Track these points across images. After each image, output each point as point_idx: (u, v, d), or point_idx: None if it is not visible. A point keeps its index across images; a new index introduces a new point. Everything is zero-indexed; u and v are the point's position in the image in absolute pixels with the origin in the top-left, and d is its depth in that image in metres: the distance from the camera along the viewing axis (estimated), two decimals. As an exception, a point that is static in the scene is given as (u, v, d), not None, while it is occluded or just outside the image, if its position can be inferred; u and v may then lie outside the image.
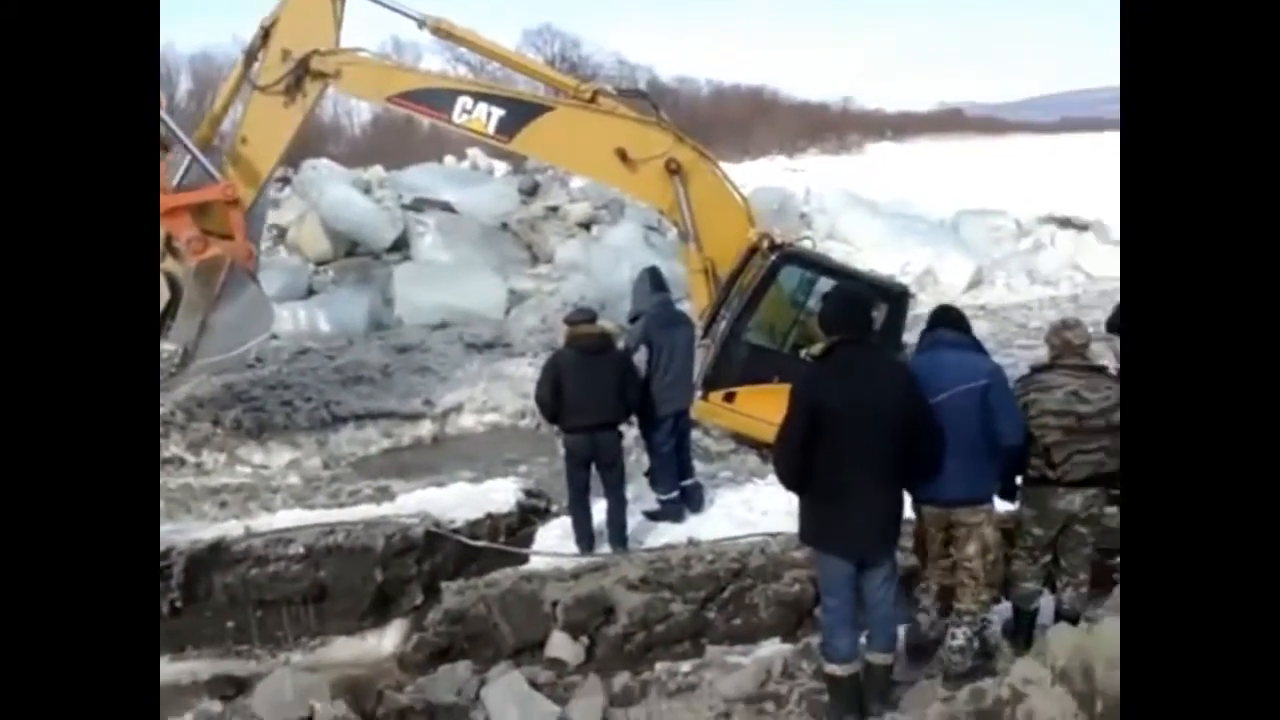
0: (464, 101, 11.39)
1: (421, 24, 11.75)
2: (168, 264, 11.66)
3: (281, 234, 21.73)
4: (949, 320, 6.38)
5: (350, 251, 21.38)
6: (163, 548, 8.51)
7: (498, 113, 11.24)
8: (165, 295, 11.07)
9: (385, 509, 9.27)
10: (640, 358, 8.54)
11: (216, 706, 7.75)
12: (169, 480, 10.87)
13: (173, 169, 10.57)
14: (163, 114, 10.64)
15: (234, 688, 8.08)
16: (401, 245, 21.61)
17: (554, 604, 7.74)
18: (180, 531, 8.85)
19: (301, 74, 11.48)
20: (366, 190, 23.62)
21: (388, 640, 8.46)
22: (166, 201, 10.26)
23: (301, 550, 8.38)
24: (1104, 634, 5.79)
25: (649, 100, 12.05)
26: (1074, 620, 6.43)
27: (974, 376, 5.87)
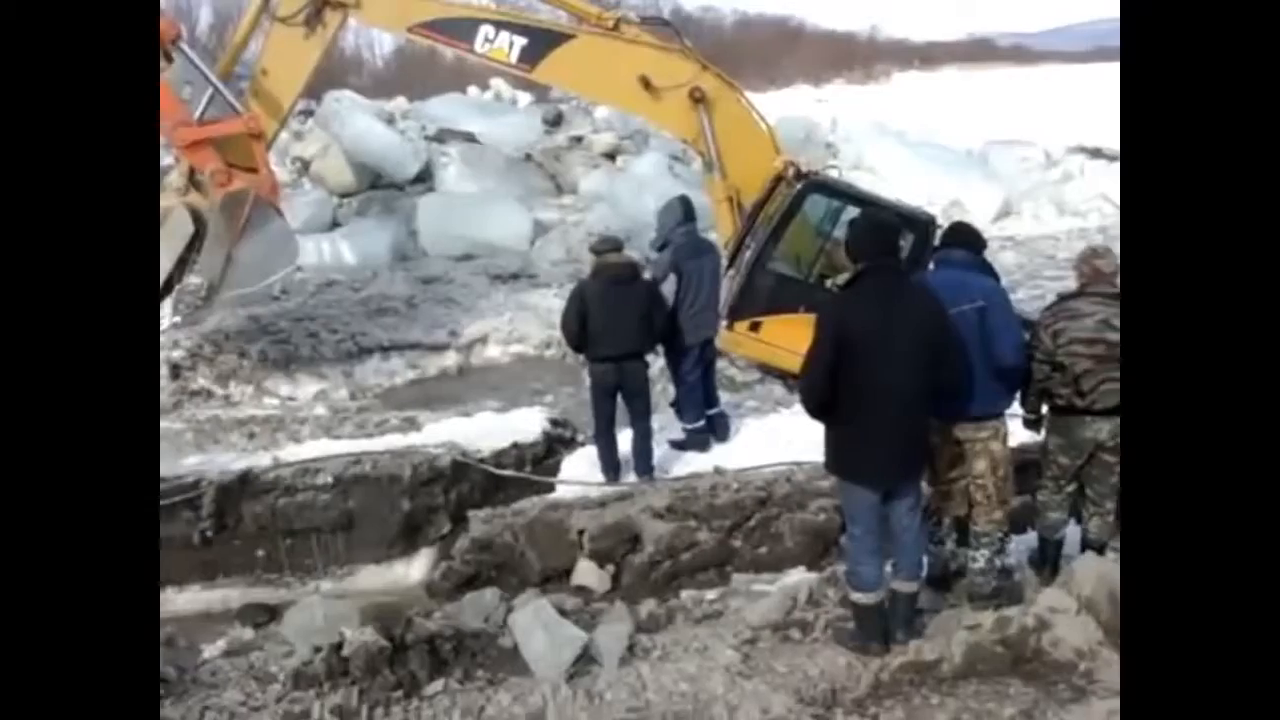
0: (486, 30, 11.28)
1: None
2: (191, 198, 11.62)
3: (305, 166, 21.65)
4: (959, 239, 6.32)
5: (374, 184, 21.30)
6: (192, 479, 8.62)
7: (520, 41, 11.14)
8: (189, 229, 11.06)
9: (412, 439, 9.33)
10: (669, 287, 8.51)
11: (248, 633, 7.88)
12: (197, 412, 10.92)
13: (194, 102, 10.49)
14: (184, 47, 10.57)
15: (265, 615, 8.21)
16: (425, 177, 21.52)
17: (580, 532, 7.80)
18: (209, 462, 8.94)
19: (321, 5, 11.37)
20: (390, 122, 23.49)
21: (415, 569, 8.55)
22: (190, 134, 10.22)
23: (330, 480, 8.46)
24: (1130, 562, 5.81)
25: (672, 28, 11.94)
26: (1100, 550, 6.44)
27: (972, 297, 5.82)
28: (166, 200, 12.37)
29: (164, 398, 11.30)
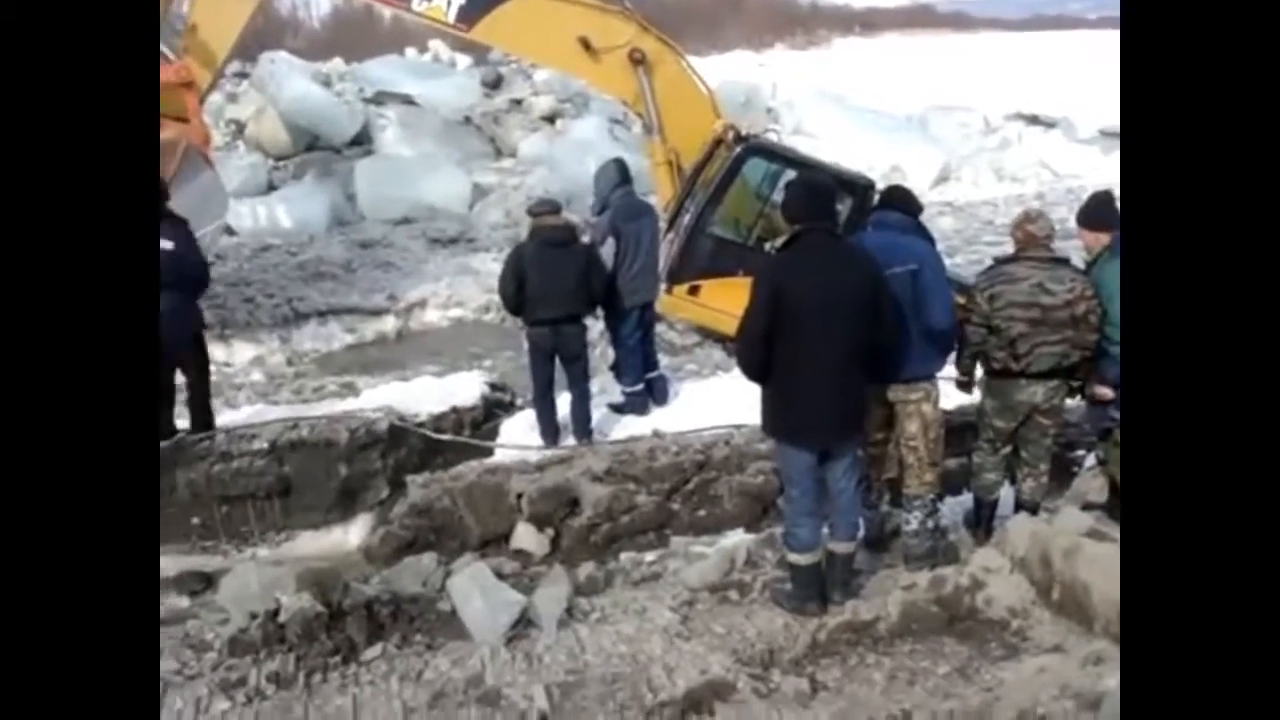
0: (421, -13, 11.16)
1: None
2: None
3: (240, 129, 21.35)
4: (895, 201, 6.34)
5: (310, 146, 21.05)
6: (125, 444, 8.46)
7: (458, 0, 11.00)
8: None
9: (350, 404, 9.24)
10: (608, 250, 8.46)
11: (184, 601, 7.78)
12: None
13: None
14: None
15: (201, 583, 8.10)
16: (363, 140, 21.31)
17: (519, 496, 7.77)
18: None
19: None
20: (326, 84, 23.20)
21: (353, 534, 8.47)
22: None
23: (265, 446, 8.33)
24: (1062, 524, 5.89)
25: (613, -11, 11.85)
26: (1033, 510, 6.53)
27: (905, 260, 5.84)
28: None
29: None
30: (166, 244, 7.91)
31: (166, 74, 10.33)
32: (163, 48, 10.52)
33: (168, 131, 10.02)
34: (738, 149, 10.78)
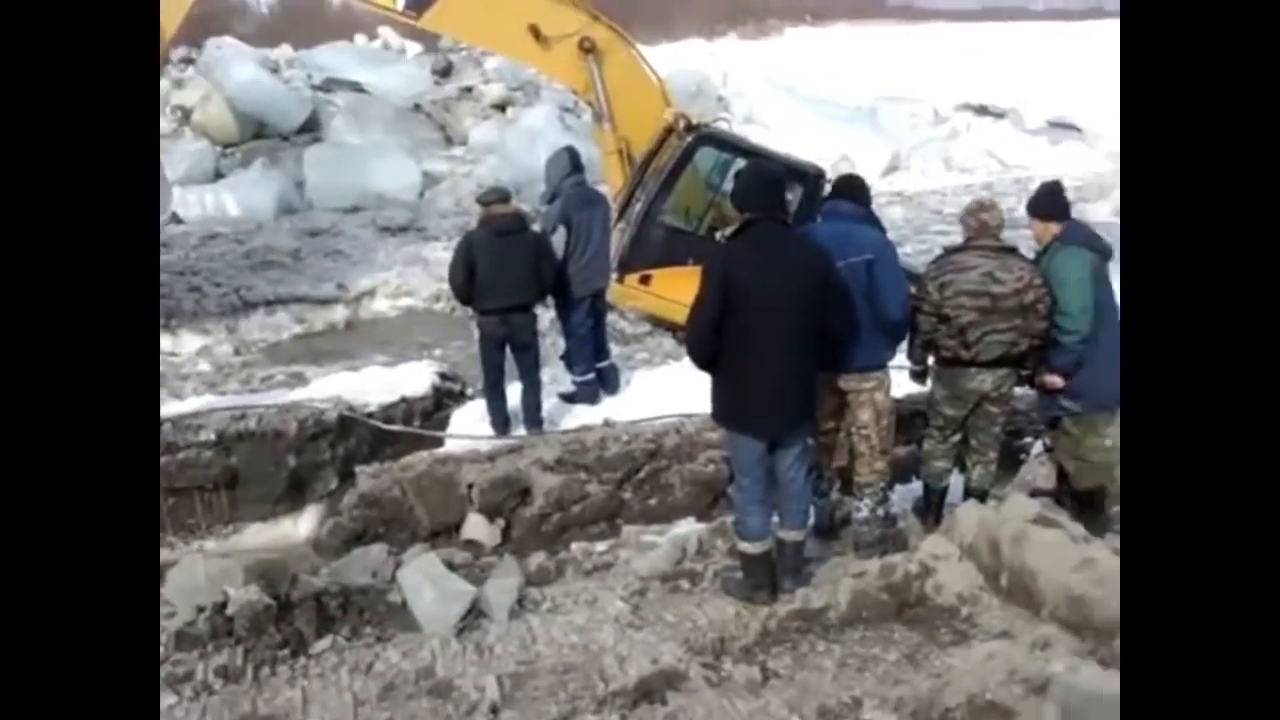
0: (375, -28, 11.07)
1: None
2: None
3: (186, 115, 21.04)
4: (847, 191, 6.36)
5: (258, 133, 20.80)
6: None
7: (406, -14, 10.92)
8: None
9: (298, 394, 9.15)
10: (559, 238, 8.44)
11: (128, 595, 7.68)
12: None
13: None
14: None
15: (147, 574, 8.01)
16: (311, 127, 21.08)
17: (470, 486, 7.73)
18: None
19: None
20: (274, 70, 22.97)
21: (303, 525, 8.40)
22: None
23: (212, 437, 8.23)
24: (1010, 511, 5.94)
25: (564, -22, 11.80)
26: (982, 497, 6.58)
27: (859, 250, 5.86)
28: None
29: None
30: None
31: None
32: None
33: None
34: (689, 138, 10.78)
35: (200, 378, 10.64)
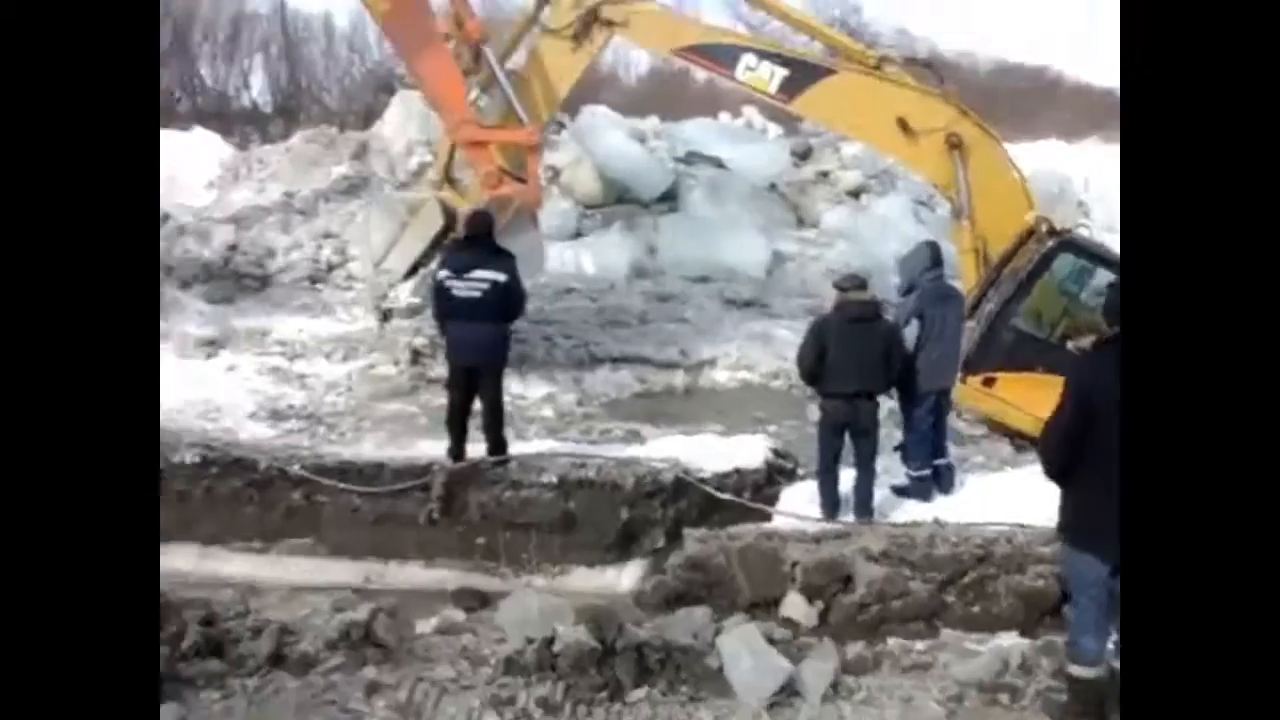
0: (749, 59, 11.44)
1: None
2: (445, 193, 12.18)
3: (555, 175, 22.24)
4: None
5: (620, 198, 21.67)
6: (425, 462, 9.01)
7: (781, 72, 11.25)
8: (439, 222, 11.57)
9: (636, 450, 9.50)
10: (911, 331, 8.44)
11: (460, 615, 8.13)
12: (432, 399, 11.36)
13: (478, 98, 11.03)
14: (487, 51, 11.12)
15: (477, 600, 8.47)
16: (671, 197, 21.78)
17: (793, 564, 7.78)
18: (441, 448, 9.34)
19: (591, 20, 11.72)
20: (641, 140, 23.89)
21: (626, 577, 8.69)
22: (473, 134, 10.74)
23: (554, 480, 8.69)
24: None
25: (933, 71, 11.87)
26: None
27: None
28: (421, 192, 12.97)
29: (402, 381, 11.83)
30: (498, 275, 8.45)
31: (517, 136, 11.00)
32: (517, 108, 11.16)
33: (506, 189, 10.64)
34: (1050, 243, 10.54)
35: (543, 423, 11.17)
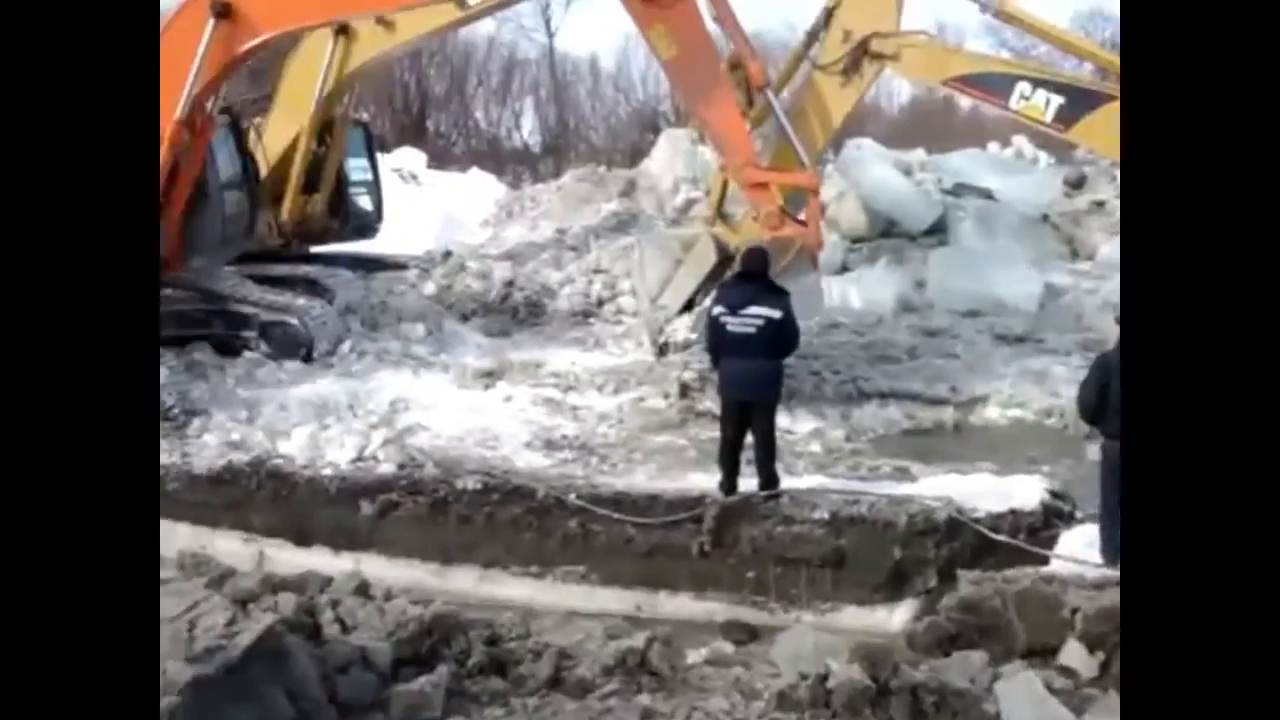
0: (1023, 87, 11.24)
1: (984, 8, 11.68)
2: (718, 230, 12.38)
3: (821, 209, 22.25)
4: None
5: (886, 232, 21.52)
6: (697, 494, 9.18)
7: (1057, 100, 11.01)
8: (713, 259, 11.77)
9: (907, 488, 9.40)
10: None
11: (729, 648, 8.26)
12: (700, 432, 11.53)
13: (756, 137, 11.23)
14: (769, 94, 11.32)
15: (746, 634, 8.57)
16: (939, 229, 21.47)
17: (1073, 611, 7.51)
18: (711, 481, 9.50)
19: (860, 55, 11.75)
20: (908, 172, 23.68)
21: (897, 617, 8.61)
22: (756, 175, 10.93)
23: (825, 515, 8.72)
24: None
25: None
26: None
27: None
28: (694, 229, 13.24)
29: (672, 414, 12.06)
30: (773, 312, 8.57)
31: (799, 179, 11.15)
32: (796, 148, 11.28)
33: (788, 230, 10.75)
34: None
35: (811, 458, 11.16)
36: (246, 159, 14.23)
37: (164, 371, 11.86)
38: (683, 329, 11.72)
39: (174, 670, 4.22)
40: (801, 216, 11.16)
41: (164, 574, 6.98)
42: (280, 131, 16.09)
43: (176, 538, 10.05)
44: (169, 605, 5.01)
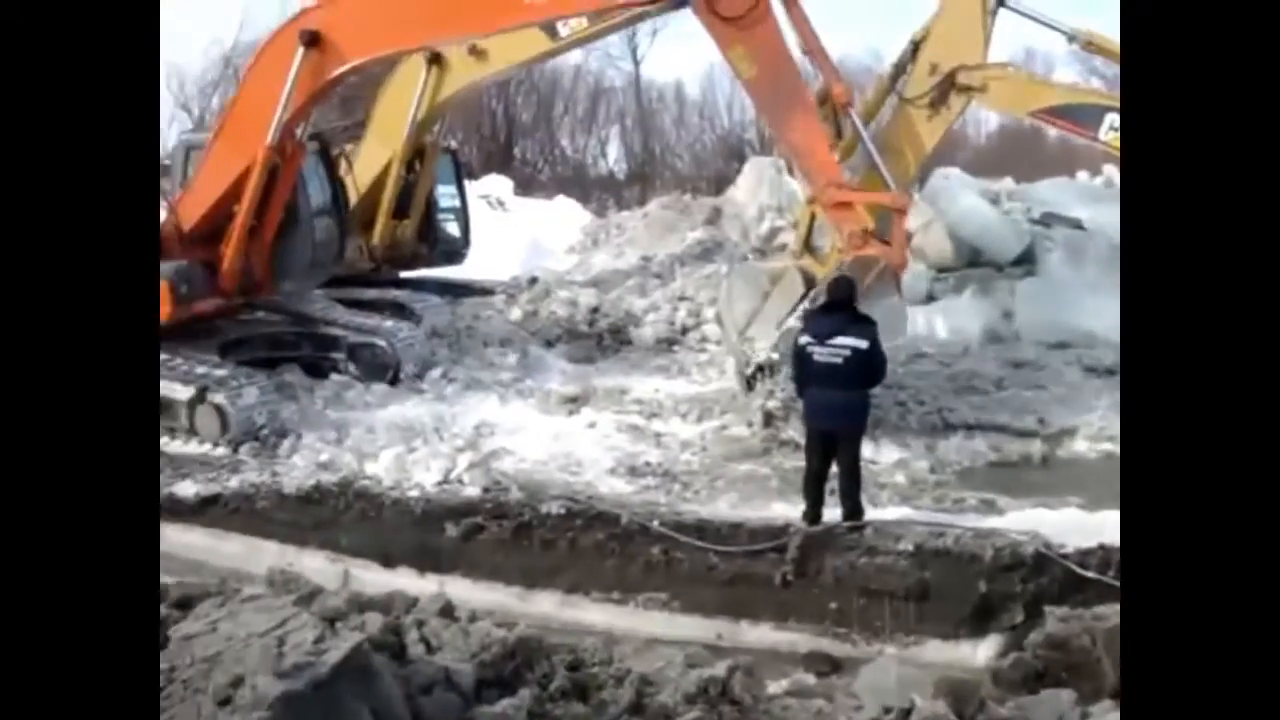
0: (1112, 118, 11.17)
1: (1072, 39, 11.58)
2: (805, 261, 12.37)
3: (907, 239, 22.10)
4: None
5: (973, 261, 21.30)
6: (781, 523, 9.16)
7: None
8: (800, 290, 11.74)
9: (993, 522, 9.29)
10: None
11: (810, 679, 8.21)
12: (784, 461, 11.47)
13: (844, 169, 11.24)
14: (854, 114, 11.31)
15: (828, 665, 8.51)
16: (1026, 259, 21.21)
17: (1164, 652, 7.37)
18: (794, 511, 9.46)
19: (948, 88, 11.70)
20: (995, 201, 23.44)
21: (982, 652, 8.49)
22: (841, 195, 10.91)
23: (910, 548, 8.64)
24: None
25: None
26: None
27: None
28: (781, 261, 13.24)
29: (755, 443, 12.02)
30: (859, 342, 8.54)
31: (885, 198, 11.12)
32: (882, 170, 11.26)
33: (873, 250, 10.72)
34: None
35: (895, 489, 11.06)
36: (336, 185, 14.49)
37: (255, 392, 12.10)
38: (765, 348, 11.66)
39: (264, 685, 4.31)
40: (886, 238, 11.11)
41: (253, 590, 7.17)
42: (372, 158, 16.44)
43: (265, 555, 10.27)
44: (258, 620, 5.13)
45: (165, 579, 7.34)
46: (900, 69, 12.46)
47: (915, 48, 12.24)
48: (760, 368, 11.56)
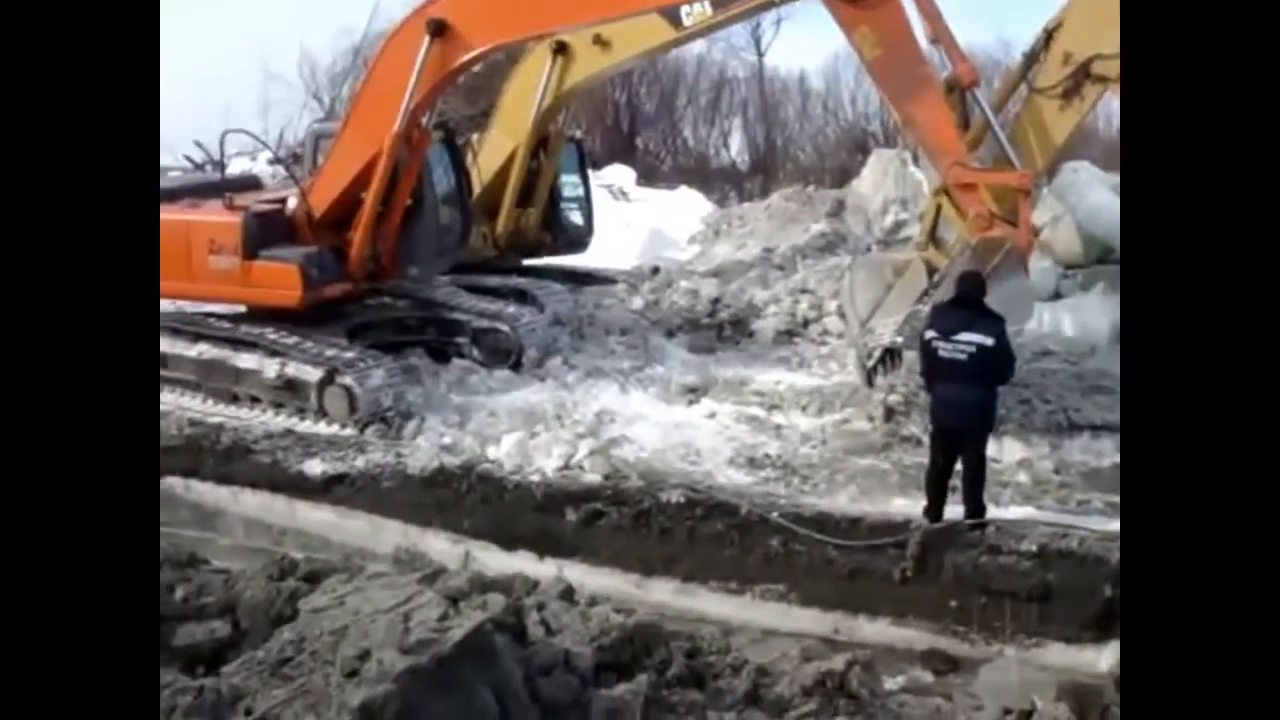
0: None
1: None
2: (929, 254, 12.19)
3: (1034, 233, 21.64)
4: None
5: (1103, 258, 20.76)
6: (902, 519, 9.09)
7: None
8: (924, 283, 11.57)
9: (1118, 525, 9.06)
10: None
11: (928, 677, 8.16)
12: (904, 457, 11.36)
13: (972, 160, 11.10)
14: (978, 95, 11.12)
15: (946, 664, 8.43)
16: (1158, 257, 20.68)
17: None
18: (915, 508, 9.38)
19: (1082, 78, 11.41)
20: (1126, 199, 22.86)
21: (1105, 658, 8.30)
22: (965, 175, 10.75)
23: (1034, 548, 8.51)
24: None
25: None
26: None
27: None
28: (906, 253, 13.07)
29: (876, 437, 11.92)
30: (986, 339, 8.41)
31: (1009, 178, 10.90)
32: (1009, 152, 11.07)
33: (998, 231, 10.54)
34: None
35: (1018, 488, 10.87)
36: (461, 173, 14.69)
37: (382, 374, 12.37)
38: (889, 333, 11.48)
39: (389, 659, 4.44)
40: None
41: (378, 568, 7.35)
42: (498, 147, 16.63)
43: (388, 534, 10.51)
44: (384, 597, 5.28)
45: (294, 553, 7.61)
46: (1032, 58, 12.17)
47: (1049, 36, 11.94)
48: (884, 357, 11.39)
